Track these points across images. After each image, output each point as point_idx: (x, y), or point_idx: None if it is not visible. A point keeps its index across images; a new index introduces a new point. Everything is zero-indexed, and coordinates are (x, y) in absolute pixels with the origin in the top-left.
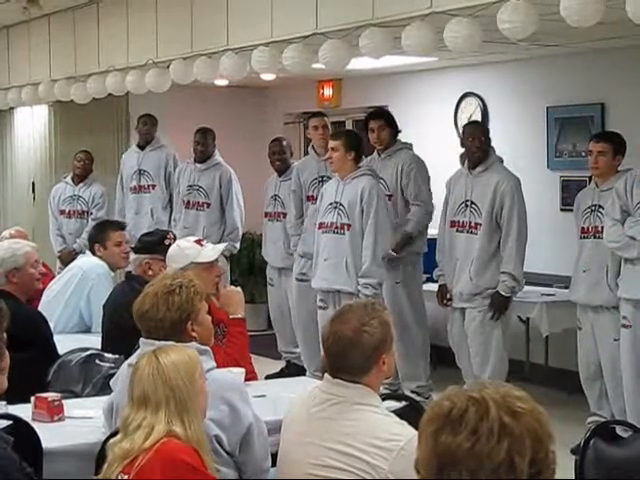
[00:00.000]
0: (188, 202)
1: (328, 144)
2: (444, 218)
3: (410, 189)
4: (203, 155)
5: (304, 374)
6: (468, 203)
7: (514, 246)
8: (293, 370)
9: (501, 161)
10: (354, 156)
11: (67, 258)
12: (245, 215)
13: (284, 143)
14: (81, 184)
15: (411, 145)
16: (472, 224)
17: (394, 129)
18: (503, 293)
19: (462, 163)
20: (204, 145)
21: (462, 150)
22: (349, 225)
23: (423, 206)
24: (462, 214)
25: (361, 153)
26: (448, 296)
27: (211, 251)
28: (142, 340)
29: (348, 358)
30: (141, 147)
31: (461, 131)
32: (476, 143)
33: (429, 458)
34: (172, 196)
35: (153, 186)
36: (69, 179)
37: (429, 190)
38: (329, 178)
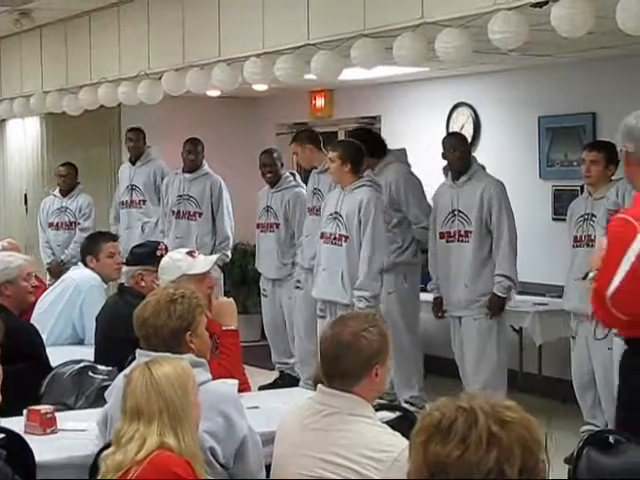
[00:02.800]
0: (178, 212)
1: (321, 156)
2: (433, 231)
3: (411, 212)
4: (193, 165)
5: (298, 384)
6: (455, 212)
7: (507, 248)
8: (287, 381)
9: (483, 168)
10: (350, 167)
11: (56, 270)
12: (238, 226)
13: (275, 155)
14: (68, 196)
15: (402, 150)
16: (462, 232)
17: (374, 150)
18: (499, 294)
19: (445, 175)
20: (195, 154)
21: (444, 163)
22: (346, 237)
23: (423, 227)
24: (450, 224)
25: (359, 163)
26: (444, 308)
27: (203, 262)
28: (138, 351)
29: (342, 362)
30: (132, 162)
31: (441, 144)
32: (457, 154)
33: (420, 468)
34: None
35: (144, 201)
36: (57, 192)
37: (424, 203)
38: (319, 191)
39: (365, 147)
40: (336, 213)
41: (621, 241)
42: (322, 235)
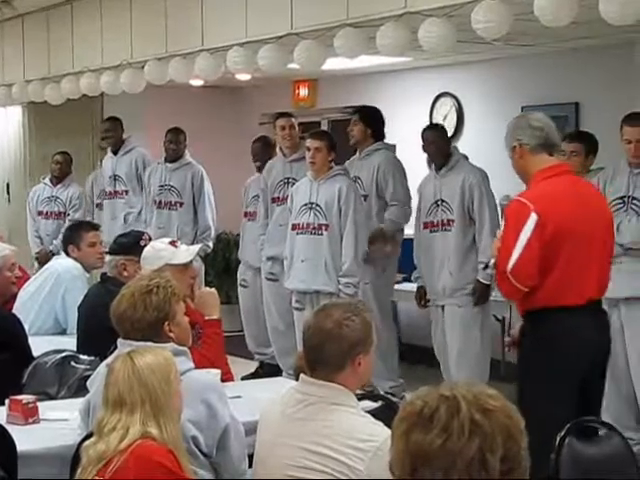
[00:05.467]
0: (160, 202)
1: (304, 143)
2: (418, 221)
3: (388, 189)
4: (175, 154)
5: (279, 374)
6: (439, 202)
7: (489, 236)
8: (267, 370)
9: (466, 158)
10: (333, 157)
11: (44, 259)
12: (221, 216)
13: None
14: (59, 185)
15: (393, 147)
16: (445, 221)
17: (370, 128)
18: (484, 281)
19: (429, 167)
20: (176, 144)
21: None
22: (327, 225)
23: (400, 205)
24: (434, 214)
25: (335, 153)
26: (427, 297)
27: (185, 252)
28: (120, 341)
29: (325, 350)
30: (114, 152)
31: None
32: (432, 148)
33: (402, 457)
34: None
35: (126, 192)
36: (47, 180)
37: (407, 190)
38: (294, 180)
39: (372, 125)
40: (311, 203)
41: (517, 221)
42: (295, 226)
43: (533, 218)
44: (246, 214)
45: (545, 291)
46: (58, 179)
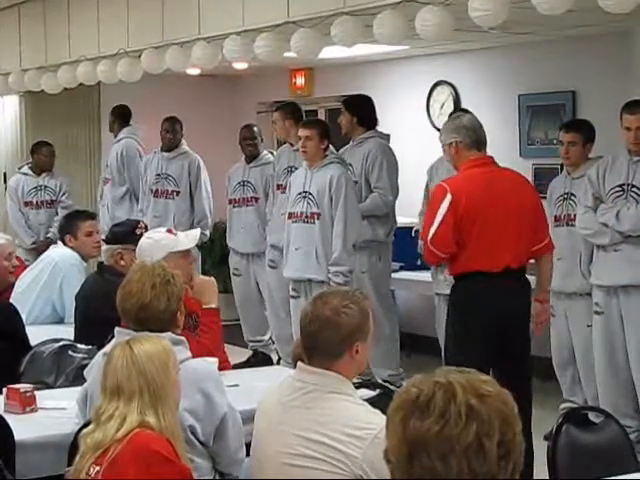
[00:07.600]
0: (157, 191)
1: (297, 133)
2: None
3: (373, 175)
4: (171, 143)
5: (271, 362)
6: None
7: None
8: (260, 359)
9: None
10: (326, 145)
11: (44, 248)
12: (218, 205)
13: (255, 129)
14: (44, 174)
15: (387, 136)
16: None
17: (355, 116)
18: None
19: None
20: (173, 133)
21: (424, 140)
22: (319, 214)
23: (382, 194)
24: None
25: (329, 141)
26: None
27: (186, 238)
28: (117, 329)
29: (322, 337)
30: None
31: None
32: None
33: (399, 445)
34: (134, 187)
35: (108, 180)
36: (27, 169)
37: (394, 180)
38: (296, 169)
39: (357, 113)
40: (305, 192)
41: (437, 200)
42: (291, 215)
43: (448, 198)
44: (230, 201)
45: (464, 258)
46: (41, 170)
